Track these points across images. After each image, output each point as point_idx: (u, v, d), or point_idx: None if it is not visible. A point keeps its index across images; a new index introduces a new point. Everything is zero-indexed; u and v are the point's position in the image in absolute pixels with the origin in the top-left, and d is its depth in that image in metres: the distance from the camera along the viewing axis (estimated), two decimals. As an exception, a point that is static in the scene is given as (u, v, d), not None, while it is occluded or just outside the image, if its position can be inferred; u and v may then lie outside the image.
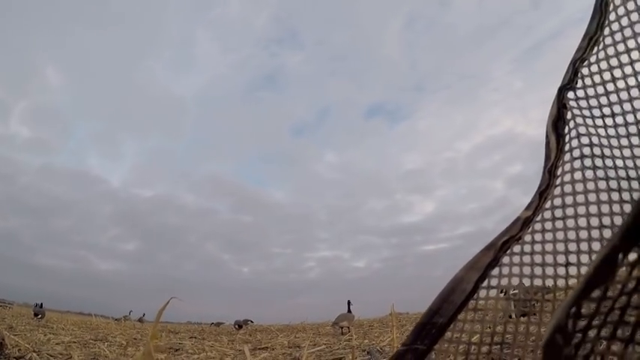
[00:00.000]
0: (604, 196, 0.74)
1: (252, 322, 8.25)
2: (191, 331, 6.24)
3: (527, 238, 0.79)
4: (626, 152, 0.77)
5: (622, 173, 0.75)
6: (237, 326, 7.70)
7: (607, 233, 0.71)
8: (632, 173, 0.75)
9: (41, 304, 7.38)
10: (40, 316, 7.05)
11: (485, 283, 0.78)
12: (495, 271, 0.78)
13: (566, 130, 0.83)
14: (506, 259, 0.78)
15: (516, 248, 0.79)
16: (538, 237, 0.78)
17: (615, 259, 0.35)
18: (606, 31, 0.85)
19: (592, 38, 0.86)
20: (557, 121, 0.84)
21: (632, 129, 0.77)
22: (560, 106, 0.84)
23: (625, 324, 0.41)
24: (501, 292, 0.77)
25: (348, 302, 5.78)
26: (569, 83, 0.85)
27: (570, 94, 0.85)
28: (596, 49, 0.85)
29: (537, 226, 0.79)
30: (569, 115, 0.83)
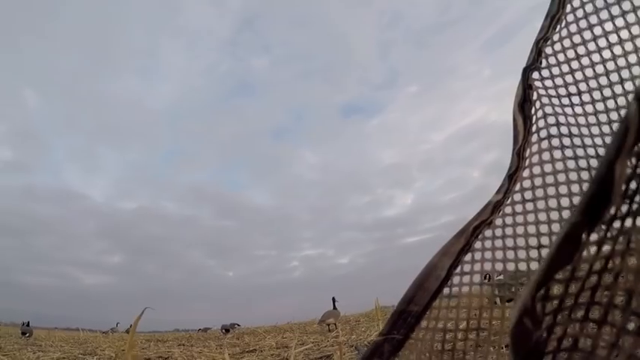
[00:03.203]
0: (573, 176, 0.73)
1: (239, 325, 8.24)
2: (179, 339, 6.20)
3: (499, 222, 0.78)
4: (595, 130, 0.76)
5: (591, 151, 0.75)
6: (224, 330, 7.69)
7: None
8: (601, 150, 0.74)
9: (28, 323, 7.28)
10: (27, 334, 6.95)
11: (458, 270, 0.77)
12: (468, 257, 0.77)
13: (533, 111, 0.82)
14: (478, 244, 0.77)
15: (488, 233, 0.78)
16: (509, 220, 0.77)
17: (578, 237, 0.34)
18: (568, 8, 0.84)
19: (554, 17, 0.85)
20: (524, 103, 0.83)
21: (600, 106, 0.77)
22: (526, 87, 0.83)
23: (597, 304, 0.40)
24: (485, 277, 0.76)
25: (333, 299, 5.79)
26: (533, 63, 0.84)
27: (535, 75, 0.84)
28: (558, 27, 0.84)
29: (508, 210, 0.78)
30: (534, 96, 0.82)
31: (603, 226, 0.35)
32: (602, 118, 0.76)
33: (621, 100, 0.74)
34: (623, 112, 0.74)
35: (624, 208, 0.36)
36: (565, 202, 0.72)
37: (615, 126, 0.74)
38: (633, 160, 0.33)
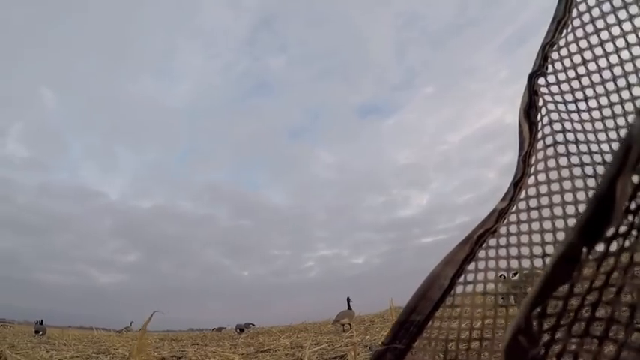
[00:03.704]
0: (579, 183, 0.72)
1: (253, 325, 8.25)
2: (193, 338, 6.22)
3: (503, 230, 0.77)
4: (601, 136, 0.75)
5: (597, 158, 0.74)
6: (238, 330, 7.69)
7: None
8: (608, 157, 0.73)
9: (42, 321, 7.30)
10: (41, 332, 6.97)
11: (461, 279, 0.76)
12: (471, 266, 0.76)
13: (539, 117, 0.81)
14: (482, 253, 0.77)
15: (492, 241, 0.77)
16: (513, 229, 0.76)
17: (575, 256, 0.33)
18: (574, 12, 0.83)
19: (560, 21, 0.84)
20: (529, 109, 0.82)
21: (607, 112, 0.76)
22: (532, 93, 0.82)
23: (598, 320, 0.39)
24: (501, 276, 0.76)
25: (348, 299, 5.78)
26: (539, 69, 0.84)
27: (541, 80, 0.83)
28: (564, 32, 0.84)
29: (512, 218, 0.77)
30: (540, 102, 0.81)
31: (604, 243, 0.35)
32: (609, 124, 0.75)
33: (629, 106, 0.73)
34: (630, 117, 0.73)
35: (626, 224, 0.35)
36: (571, 210, 0.71)
37: (623, 132, 0.73)
38: (636, 178, 0.33)
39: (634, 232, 0.37)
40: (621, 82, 0.75)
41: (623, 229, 0.36)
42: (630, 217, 0.36)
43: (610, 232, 0.34)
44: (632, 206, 0.35)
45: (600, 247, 0.34)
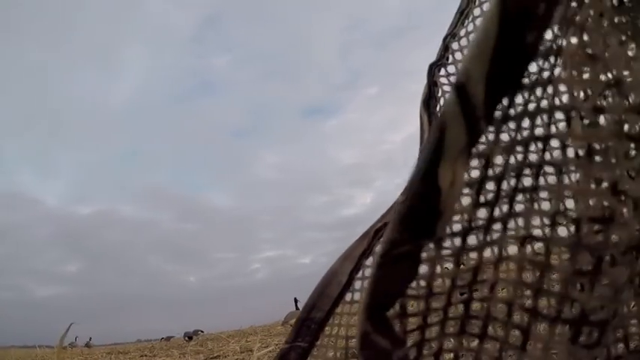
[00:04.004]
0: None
1: (202, 331, 8.16)
2: (141, 350, 6.11)
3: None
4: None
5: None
6: (187, 338, 7.62)
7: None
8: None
9: (-21, 343, 7.06)
10: (-20, 357, 6.73)
11: (359, 274, 0.75)
12: (369, 261, 0.75)
13: (438, 107, 0.80)
14: (379, 248, 0.76)
15: (388, 235, 0.76)
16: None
17: (407, 253, 0.31)
18: (476, 2, 0.82)
19: (463, 12, 0.84)
20: (429, 100, 0.81)
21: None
22: (431, 83, 0.82)
23: (474, 318, 0.38)
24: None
25: (295, 299, 5.82)
26: (439, 60, 0.83)
27: (441, 71, 0.82)
28: (466, 22, 0.83)
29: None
30: (439, 93, 0.81)
31: (456, 237, 0.33)
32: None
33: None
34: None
35: (486, 214, 0.34)
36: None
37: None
38: (482, 162, 0.31)
39: (498, 225, 0.35)
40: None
41: (480, 222, 0.34)
42: (487, 210, 0.34)
43: (460, 225, 0.32)
44: (488, 197, 0.33)
45: (454, 241, 0.33)
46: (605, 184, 0.31)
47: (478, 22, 0.80)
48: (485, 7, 0.80)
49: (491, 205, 0.33)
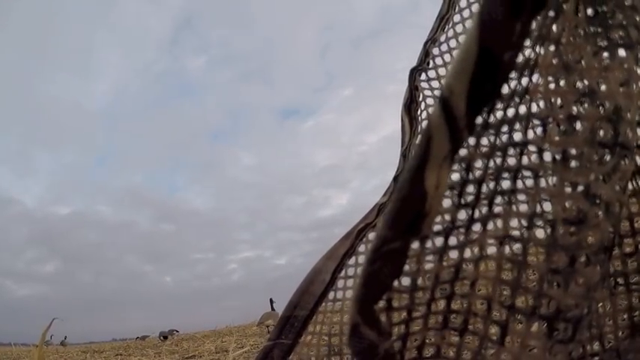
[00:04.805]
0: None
1: (177, 331, 8.10)
2: (116, 349, 6.05)
3: (382, 224, 0.78)
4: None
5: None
6: (162, 338, 7.55)
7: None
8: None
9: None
10: (-46, 354, 6.64)
11: (342, 273, 0.77)
12: (352, 260, 0.77)
13: (419, 112, 0.82)
14: (362, 248, 0.78)
15: (371, 235, 0.78)
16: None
17: (396, 249, 0.33)
18: (456, 8, 0.84)
19: (443, 17, 0.86)
20: (410, 104, 0.83)
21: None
22: (412, 88, 0.84)
23: (456, 313, 0.39)
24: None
25: (271, 300, 5.81)
26: (420, 65, 0.85)
27: (422, 76, 0.84)
28: (446, 27, 0.85)
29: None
30: (420, 97, 0.83)
31: (439, 235, 0.35)
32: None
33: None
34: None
35: (467, 215, 0.36)
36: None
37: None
38: (463, 166, 0.33)
39: (478, 225, 0.37)
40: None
41: (460, 223, 0.36)
42: (469, 211, 0.36)
43: (442, 225, 0.34)
44: (468, 199, 0.35)
45: (437, 240, 0.34)
46: (579, 188, 0.33)
47: (458, 28, 0.83)
48: (466, 13, 0.82)
49: (471, 206, 0.35)
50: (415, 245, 0.33)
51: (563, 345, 0.34)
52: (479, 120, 0.30)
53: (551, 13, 0.32)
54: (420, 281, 0.36)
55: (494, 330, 0.36)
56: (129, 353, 4.97)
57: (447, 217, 0.34)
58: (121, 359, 4.12)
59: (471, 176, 0.34)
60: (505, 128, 0.34)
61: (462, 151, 0.31)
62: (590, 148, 0.33)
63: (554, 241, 0.33)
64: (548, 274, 0.33)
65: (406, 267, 0.34)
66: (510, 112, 0.34)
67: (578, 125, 0.33)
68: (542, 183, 0.36)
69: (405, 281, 0.36)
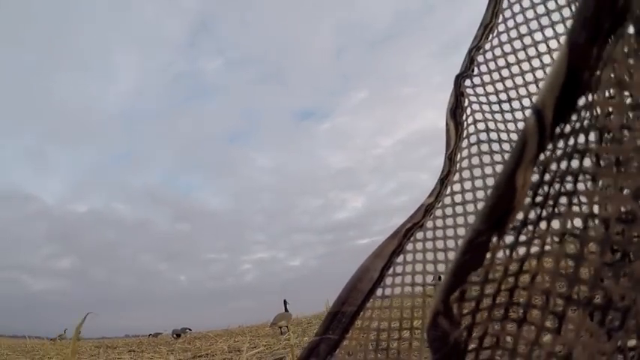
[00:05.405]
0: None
1: (190, 329, 8.11)
2: (129, 345, 6.06)
3: (430, 224, 0.81)
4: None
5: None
6: (175, 335, 7.57)
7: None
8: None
9: (-28, 332, 7.02)
10: (-30, 343, 6.68)
11: (390, 271, 0.79)
12: (400, 259, 0.80)
13: (464, 117, 0.85)
14: (409, 246, 0.80)
15: (419, 235, 0.80)
16: (439, 223, 0.80)
17: (484, 242, 0.36)
18: (500, 18, 0.87)
19: (487, 26, 0.88)
20: (456, 109, 0.86)
21: (528, 112, 0.80)
22: (458, 94, 0.86)
23: (516, 305, 0.42)
24: (439, 278, 0.79)
25: (285, 301, 5.81)
26: (465, 71, 0.88)
27: (467, 82, 0.87)
28: (490, 36, 0.88)
29: (439, 212, 0.81)
30: (466, 103, 0.85)
31: (513, 231, 0.38)
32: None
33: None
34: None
35: (536, 213, 0.39)
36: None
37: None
38: (540, 169, 0.36)
39: (542, 223, 0.40)
40: (542, 85, 0.79)
41: (532, 218, 0.39)
42: (538, 210, 0.39)
43: (516, 222, 0.37)
44: (540, 196, 0.39)
45: (510, 235, 0.37)
46: (629, 191, 0.37)
47: (503, 37, 0.85)
48: (511, 23, 0.85)
49: (540, 206, 0.39)
50: (494, 239, 0.36)
51: (614, 333, 0.37)
52: (557, 129, 0.34)
53: (619, 40, 0.35)
54: (491, 274, 0.39)
55: (550, 321, 0.38)
56: (141, 350, 4.98)
57: (521, 215, 0.37)
58: (134, 355, 4.13)
59: (545, 178, 0.38)
60: (572, 138, 0.38)
61: (541, 156, 0.35)
62: (637, 155, 0.36)
63: (608, 238, 0.36)
64: (602, 267, 0.36)
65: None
66: (577, 123, 0.37)
67: (627, 134, 0.37)
68: (598, 186, 0.40)
69: (478, 274, 0.39)
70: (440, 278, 0.79)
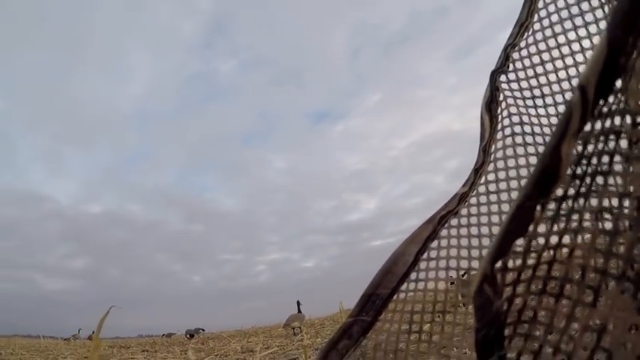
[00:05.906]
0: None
1: (203, 330, 8.15)
2: (143, 345, 6.10)
3: (464, 211, 0.83)
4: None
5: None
6: (188, 336, 7.60)
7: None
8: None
9: (-13, 331, 7.05)
10: (-13, 343, 6.71)
11: (425, 255, 0.81)
12: (434, 244, 0.82)
13: (499, 110, 0.87)
14: (444, 232, 0.82)
15: (454, 221, 0.83)
16: (474, 210, 0.82)
17: (530, 208, 0.38)
18: (535, 17, 0.90)
19: (522, 24, 0.91)
20: (491, 103, 0.88)
21: (561, 108, 0.82)
22: (493, 88, 0.89)
23: (553, 278, 0.44)
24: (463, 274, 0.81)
25: (298, 302, 5.82)
26: (501, 67, 0.90)
27: (502, 78, 0.89)
28: (526, 34, 0.90)
29: (473, 201, 0.83)
30: (501, 97, 0.88)
31: (554, 204, 0.40)
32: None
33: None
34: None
35: (574, 189, 0.41)
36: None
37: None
38: (580, 143, 0.39)
39: (583, 196, 0.42)
40: (575, 82, 0.81)
41: (572, 192, 0.41)
42: (577, 182, 0.41)
43: (559, 192, 0.39)
44: (579, 171, 0.41)
45: (551, 206, 0.40)
46: None
47: (538, 35, 0.88)
48: (546, 22, 0.87)
49: (580, 179, 0.41)
50: (538, 208, 0.38)
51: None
52: (597, 108, 0.37)
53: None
54: (533, 245, 0.41)
55: (586, 295, 0.41)
56: (155, 350, 5.01)
57: (560, 191, 0.40)
58: (148, 355, 4.16)
59: (586, 152, 0.40)
60: (609, 118, 0.40)
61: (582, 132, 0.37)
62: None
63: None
64: (635, 242, 0.39)
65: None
66: (614, 106, 0.40)
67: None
68: (631, 168, 0.42)
69: (521, 245, 0.41)
70: (464, 275, 0.81)
